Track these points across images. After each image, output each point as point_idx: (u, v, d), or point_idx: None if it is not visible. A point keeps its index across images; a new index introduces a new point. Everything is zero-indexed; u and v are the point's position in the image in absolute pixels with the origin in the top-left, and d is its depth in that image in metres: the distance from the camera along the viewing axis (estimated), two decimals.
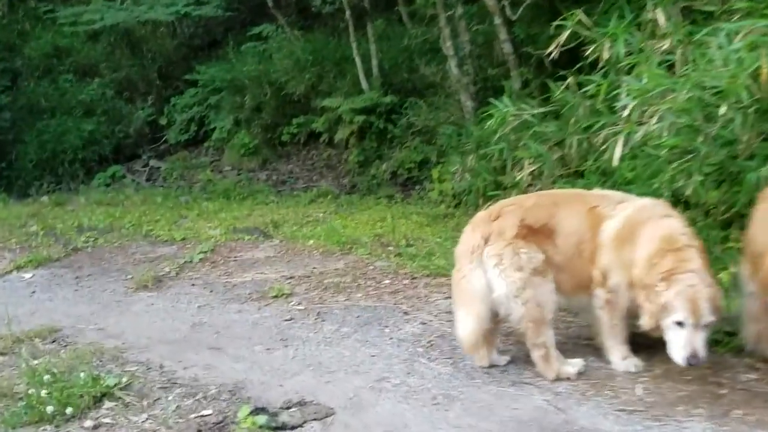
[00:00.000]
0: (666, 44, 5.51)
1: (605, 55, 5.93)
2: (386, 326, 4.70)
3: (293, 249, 7.11)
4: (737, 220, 5.06)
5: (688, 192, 4.70)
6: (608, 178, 6.00)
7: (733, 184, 4.96)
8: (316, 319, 5.02)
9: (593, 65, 6.55)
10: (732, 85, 4.47)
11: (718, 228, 5.17)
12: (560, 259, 3.79)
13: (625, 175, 5.72)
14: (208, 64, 14.28)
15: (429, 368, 4.00)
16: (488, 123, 6.57)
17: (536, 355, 3.77)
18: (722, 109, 4.47)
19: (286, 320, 5.07)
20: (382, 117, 11.49)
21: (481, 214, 4.07)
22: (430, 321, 4.68)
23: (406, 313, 4.88)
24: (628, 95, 5.02)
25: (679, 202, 5.17)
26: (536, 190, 6.53)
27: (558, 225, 3.82)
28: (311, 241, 7.24)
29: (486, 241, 3.80)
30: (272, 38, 13.89)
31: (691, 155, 4.69)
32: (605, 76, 6.06)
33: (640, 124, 5.12)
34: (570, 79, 6.45)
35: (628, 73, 5.99)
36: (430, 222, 7.75)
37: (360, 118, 11.50)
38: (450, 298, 5.01)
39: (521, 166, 6.66)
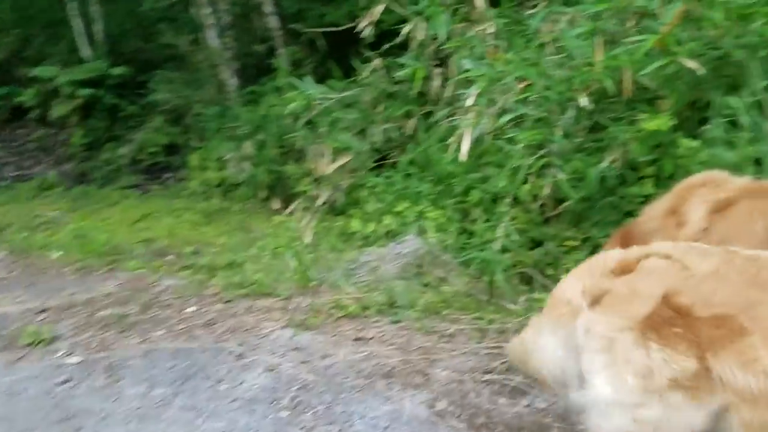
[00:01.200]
0: (489, 28, 4.97)
1: (420, 36, 5.22)
2: (219, 380, 3.37)
3: (32, 266, 5.18)
4: (563, 216, 4.73)
5: (547, 191, 4.21)
6: (425, 172, 5.33)
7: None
8: (108, 377, 3.45)
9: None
10: (589, 74, 4.07)
11: (540, 226, 4.76)
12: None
13: (449, 170, 5.09)
14: None
15: None
16: (290, 106, 5.42)
17: None
18: (583, 101, 4.03)
19: (61, 383, 3.41)
20: (112, 91, 9.49)
21: (602, 256, 2.39)
22: (278, 365, 3.47)
23: (239, 356, 3.58)
24: (474, 82, 4.35)
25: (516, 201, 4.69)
26: (347, 185, 5.63)
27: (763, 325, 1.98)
28: (56, 254, 5.36)
29: (593, 301, 2.16)
30: None
31: (545, 150, 4.18)
32: (416, 59, 5.36)
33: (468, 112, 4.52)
34: (376, 61, 5.62)
35: (444, 57, 5.40)
36: (206, 220, 6.32)
37: (84, 92, 9.38)
38: (290, 327, 3.90)
39: (322, 155, 5.67)
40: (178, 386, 3.35)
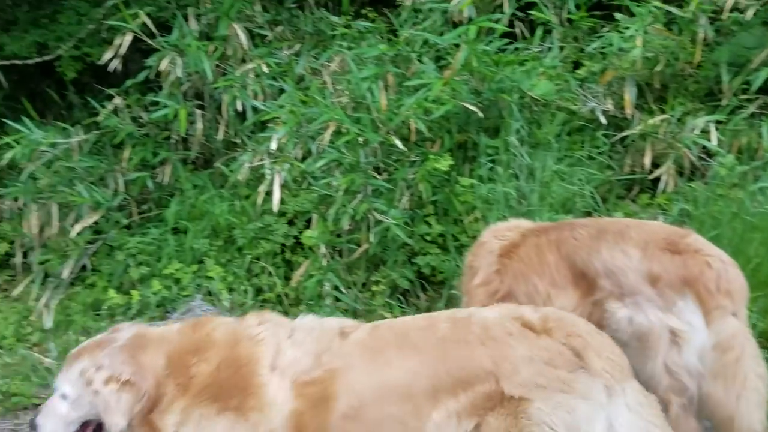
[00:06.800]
0: (258, 68, 4.29)
1: (178, 73, 4.25)
2: None
3: None
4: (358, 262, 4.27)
5: (372, 239, 3.73)
6: (198, 225, 4.33)
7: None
8: None
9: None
10: (396, 118, 3.76)
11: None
12: None
13: (230, 221, 4.22)
14: None
15: None
16: (7, 154, 3.91)
17: None
18: (398, 143, 3.69)
19: None
20: None
21: None
22: None
23: None
24: (277, 125, 3.66)
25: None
26: (94, 248, 4.29)
27: None
28: None
29: None
30: None
31: (361, 195, 3.71)
32: (171, 98, 4.36)
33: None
34: (117, 100, 4.41)
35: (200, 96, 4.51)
36: None
37: None
38: None
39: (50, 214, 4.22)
40: None
